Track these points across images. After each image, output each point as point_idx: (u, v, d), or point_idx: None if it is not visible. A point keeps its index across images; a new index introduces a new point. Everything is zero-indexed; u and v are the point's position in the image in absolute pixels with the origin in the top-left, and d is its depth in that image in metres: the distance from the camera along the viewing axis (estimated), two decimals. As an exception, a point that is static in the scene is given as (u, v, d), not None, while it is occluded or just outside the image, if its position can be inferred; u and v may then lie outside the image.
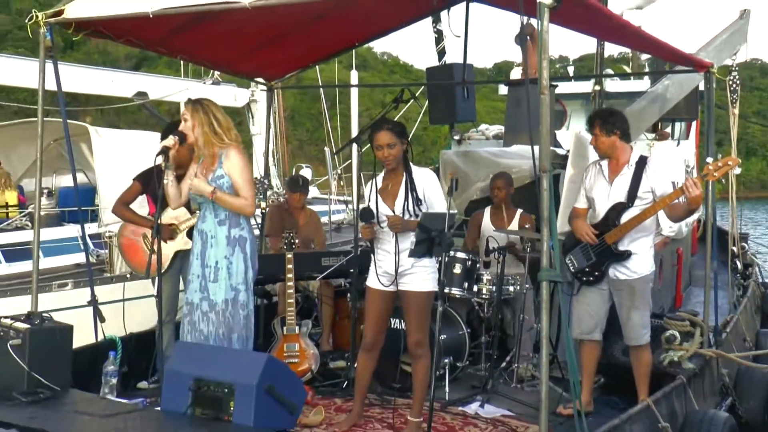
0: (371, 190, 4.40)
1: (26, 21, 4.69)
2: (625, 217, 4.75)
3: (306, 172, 14.62)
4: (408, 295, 4.35)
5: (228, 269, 4.31)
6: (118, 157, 9.09)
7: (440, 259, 4.24)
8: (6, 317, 4.30)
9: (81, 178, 9.42)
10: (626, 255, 4.75)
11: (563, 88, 9.28)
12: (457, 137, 8.58)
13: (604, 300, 4.95)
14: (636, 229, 4.74)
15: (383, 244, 4.36)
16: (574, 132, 5.65)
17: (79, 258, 7.96)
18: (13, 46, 27.47)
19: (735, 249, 8.45)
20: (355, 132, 16.47)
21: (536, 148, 3.51)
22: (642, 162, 4.80)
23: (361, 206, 4.33)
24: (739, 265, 8.77)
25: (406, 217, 4.24)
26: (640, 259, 4.80)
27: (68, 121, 9.90)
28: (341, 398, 5.11)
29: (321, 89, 14.56)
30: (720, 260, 8.63)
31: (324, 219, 10.27)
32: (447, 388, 5.21)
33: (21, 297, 4.97)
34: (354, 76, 17.59)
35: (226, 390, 3.71)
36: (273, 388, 3.72)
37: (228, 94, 13.58)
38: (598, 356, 5.11)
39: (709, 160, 5.11)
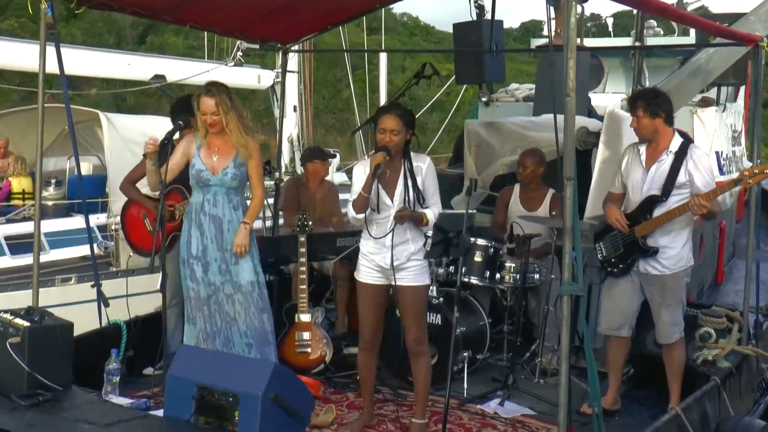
0: (364, 172, 4.11)
1: None
2: (658, 211, 4.44)
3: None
4: (405, 290, 4.14)
5: (250, 252, 4.47)
6: (130, 144, 8.70)
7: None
8: (6, 311, 4.14)
9: (97, 163, 9.19)
10: (653, 251, 4.46)
11: (600, 42, 8.67)
12: (484, 99, 8.15)
13: (635, 294, 4.66)
14: (671, 221, 4.44)
15: (378, 236, 4.14)
16: (607, 110, 5.25)
17: (86, 250, 7.69)
18: (15, 15, 26.69)
19: None
20: (383, 100, 16.10)
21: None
22: (683, 151, 4.44)
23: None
24: None
25: None
26: (674, 254, 4.50)
27: (80, 107, 9.69)
28: (354, 392, 4.92)
29: (346, 54, 13.79)
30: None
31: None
32: (465, 384, 4.99)
33: (23, 291, 4.78)
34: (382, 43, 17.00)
35: (230, 399, 3.54)
36: (279, 397, 3.53)
37: (251, 76, 12.93)
38: (626, 354, 4.87)
39: (748, 164, 4.72)
